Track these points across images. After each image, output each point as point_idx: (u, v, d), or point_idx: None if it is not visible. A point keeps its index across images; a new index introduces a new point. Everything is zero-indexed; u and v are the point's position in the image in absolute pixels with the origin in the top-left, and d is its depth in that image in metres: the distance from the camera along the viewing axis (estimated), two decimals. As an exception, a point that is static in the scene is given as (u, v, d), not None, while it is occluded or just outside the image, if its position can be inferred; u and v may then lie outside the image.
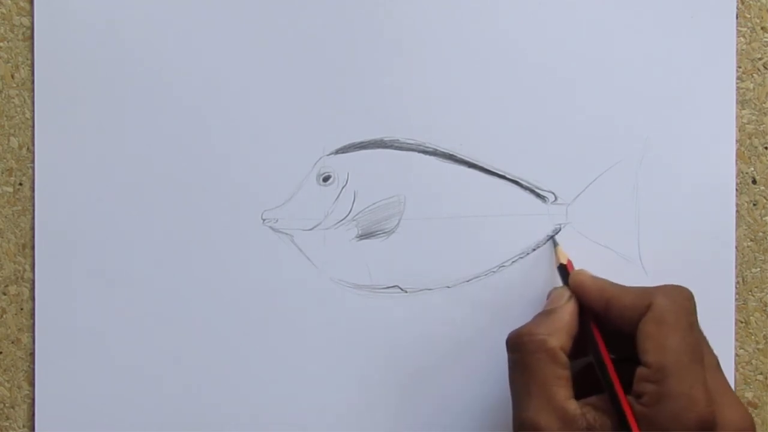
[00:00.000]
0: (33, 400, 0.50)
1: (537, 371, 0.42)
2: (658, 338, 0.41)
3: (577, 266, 0.49)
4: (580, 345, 0.44)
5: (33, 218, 0.50)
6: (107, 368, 0.50)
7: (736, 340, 0.50)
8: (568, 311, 0.45)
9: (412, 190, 0.50)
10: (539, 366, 0.42)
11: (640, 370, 0.41)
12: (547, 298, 0.47)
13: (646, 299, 0.43)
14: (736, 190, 0.50)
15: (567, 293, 0.46)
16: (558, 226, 0.50)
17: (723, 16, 0.50)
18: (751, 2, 0.50)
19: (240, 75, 0.50)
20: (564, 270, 0.47)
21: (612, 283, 0.45)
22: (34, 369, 0.50)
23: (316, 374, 0.50)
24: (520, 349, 0.43)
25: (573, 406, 0.42)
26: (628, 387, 0.42)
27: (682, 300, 0.43)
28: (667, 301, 0.42)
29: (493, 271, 0.50)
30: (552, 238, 0.50)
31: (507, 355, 0.44)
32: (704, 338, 0.44)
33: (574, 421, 0.41)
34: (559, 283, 0.48)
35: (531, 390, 0.42)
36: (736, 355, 0.50)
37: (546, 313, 0.45)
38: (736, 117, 0.50)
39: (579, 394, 0.43)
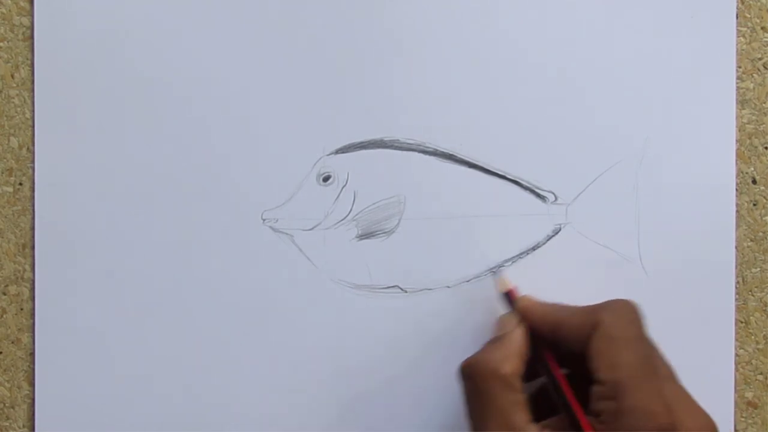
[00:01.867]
0: (33, 400, 0.50)
1: (492, 398, 0.42)
2: (609, 355, 0.41)
3: (576, 266, 0.49)
4: (532, 368, 0.44)
5: (33, 218, 0.50)
6: (107, 368, 0.50)
7: (736, 340, 0.50)
8: (517, 336, 0.45)
9: (412, 190, 0.50)
10: (494, 393, 0.42)
11: (596, 388, 0.41)
12: (496, 325, 0.47)
13: (592, 318, 0.43)
14: (736, 190, 0.50)
15: (515, 318, 0.46)
16: (558, 226, 0.50)
17: (723, 16, 0.50)
18: (751, 2, 0.50)
19: (240, 75, 0.50)
20: (508, 297, 0.47)
21: (558, 306, 0.45)
22: (34, 369, 0.50)
23: (316, 374, 0.50)
24: (474, 377, 0.43)
25: (533, 429, 0.42)
26: (586, 404, 0.42)
27: (628, 313, 0.43)
28: (613, 317, 0.42)
29: (493, 271, 0.50)
30: (491, 270, 0.49)
31: (460, 385, 0.44)
32: (656, 348, 0.43)
33: None
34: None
35: (488, 418, 0.42)
36: (736, 355, 0.50)
37: (496, 340, 0.45)
38: (736, 117, 0.50)
39: (537, 415, 0.42)
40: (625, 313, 0.43)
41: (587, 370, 0.42)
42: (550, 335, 0.44)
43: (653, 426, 0.40)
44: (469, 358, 0.44)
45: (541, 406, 0.43)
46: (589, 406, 0.42)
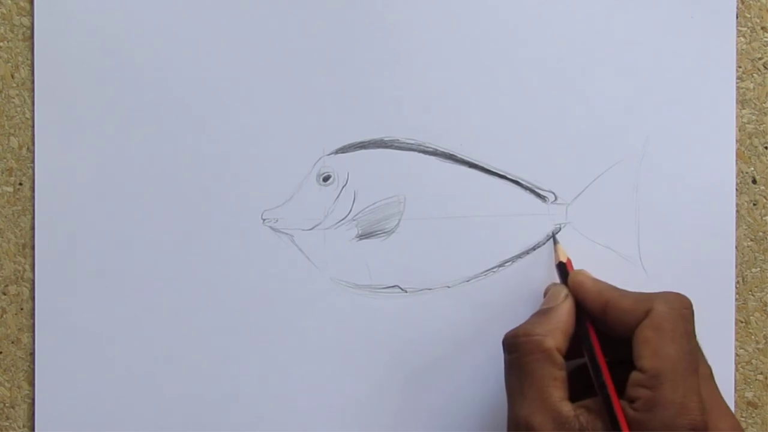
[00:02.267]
0: (33, 400, 0.50)
1: (533, 372, 0.42)
2: (655, 344, 0.41)
3: (576, 267, 0.49)
4: (575, 345, 0.44)
5: (33, 218, 0.50)
6: (107, 368, 0.50)
7: (736, 340, 0.50)
8: (564, 310, 0.44)
9: (412, 190, 0.50)
10: (535, 367, 0.42)
11: (635, 375, 0.41)
12: (544, 295, 0.47)
13: (645, 305, 0.43)
14: (736, 190, 0.50)
15: (564, 291, 0.45)
16: (558, 226, 0.50)
17: (723, 16, 0.50)
18: (751, 2, 0.50)
19: (240, 75, 0.50)
20: (563, 268, 0.47)
21: (611, 286, 0.45)
22: (34, 369, 0.50)
23: (316, 374, 0.50)
24: (517, 349, 0.43)
25: (567, 407, 0.42)
26: (621, 390, 0.42)
27: (682, 308, 0.43)
28: (667, 308, 0.42)
29: (493, 271, 0.50)
30: (553, 236, 0.50)
31: (503, 355, 0.44)
32: (699, 347, 0.44)
33: (567, 423, 0.41)
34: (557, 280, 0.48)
35: (526, 390, 0.42)
36: (736, 355, 0.50)
37: (542, 313, 0.45)
38: (736, 117, 0.50)
39: (573, 394, 0.43)
40: (679, 307, 0.43)
41: (628, 355, 0.42)
42: (599, 314, 0.44)
43: (686, 422, 0.40)
44: (513, 329, 0.44)
45: (576, 386, 0.43)
46: (625, 392, 0.41)
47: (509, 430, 0.43)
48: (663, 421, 0.40)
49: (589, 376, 0.44)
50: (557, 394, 0.42)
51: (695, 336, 0.43)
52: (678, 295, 0.43)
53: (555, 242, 0.49)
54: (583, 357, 0.45)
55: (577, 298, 0.45)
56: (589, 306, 0.45)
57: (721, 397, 0.43)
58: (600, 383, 0.42)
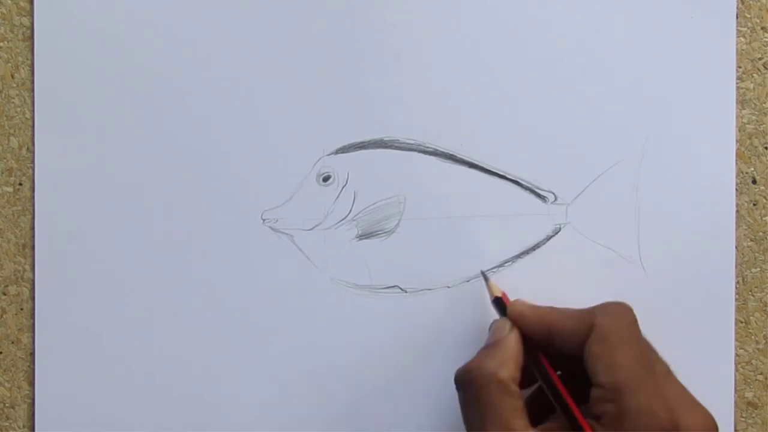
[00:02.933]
0: (33, 400, 0.50)
1: (492, 405, 0.42)
2: (606, 358, 0.41)
3: (576, 266, 0.49)
4: (527, 373, 0.44)
5: (33, 218, 0.50)
6: (107, 368, 0.50)
7: (736, 340, 0.50)
8: (512, 341, 0.44)
9: (412, 190, 0.50)
10: (493, 399, 0.42)
11: (595, 392, 0.41)
12: (489, 331, 0.47)
13: (587, 321, 0.43)
14: (736, 190, 0.50)
15: (508, 324, 0.45)
16: (558, 226, 0.50)
17: (723, 16, 0.50)
18: (751, 2, 0.50)
19: (240, 75, 0.50)
20: (500, 303, 0.47)
21: (551, 309, 0.45)
22: (34, 369, 0.50)
23: (316, 374, 0.50)
24: (472, 384, 0.43)
25: None
26: (579, 406, 0.42)
27: (622, 315, 0.43)
28: (608, 319, 0.42)
29: (493, 271, 0.50)
30: (482, 272, 0.49)
31: (457, 393, 0.44)
32: (651, 347, 0.43)
33: None
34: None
35: (488, 424, 0.42)
36: (736, 355, 0.50)
37: (491, 346, 0.44)
38: (736, 117, 0.50)
39: (531, 421, 0.42)
40: (620, 315, 0.43)
41: (585, 373, 0.42)
42: (544, 339, 0.44)
43: (656, 426, 0.40)
44: (464, 365, 0.44)
45: (536, 412, 0.43)
46: (590, 410, 0.41)
47: None
48: (633, 430, 0.40)
49: (542, 403, 0.44)
50: (519, 423, 0.41)
51: (643, 338, 0.43)
52: (617, 303, 0.44)
53: (486, 279, 0.49)
54: (532, 385, 0.45)
55: (520, 328, 0.45)
56: (533, 333, 0.45)
57: (687, 393, 0.42)
58: (561, 406, 0.43)
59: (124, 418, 0.50)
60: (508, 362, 0.43)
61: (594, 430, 0.41)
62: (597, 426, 0.41)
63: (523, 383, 0.44)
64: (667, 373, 0.43)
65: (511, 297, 0.49)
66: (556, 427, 0.42)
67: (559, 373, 0.44)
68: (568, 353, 0.43)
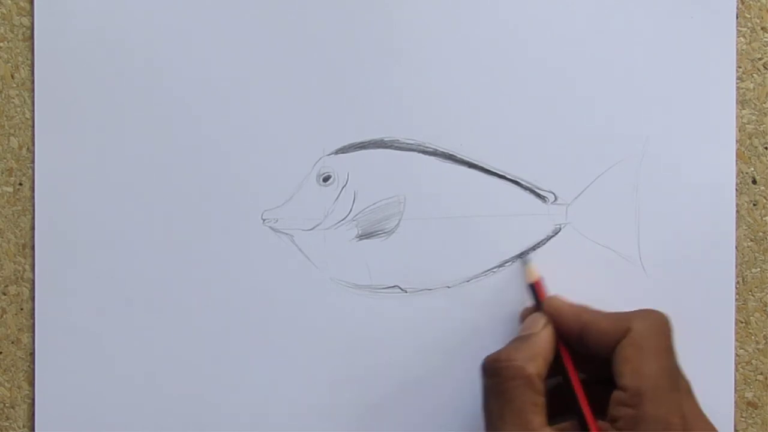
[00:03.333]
0: (33, 400, 0.50)
1: (514, 398, 0.42)
2: (636, 363, 0.41)
3: (576, 266, 0.49)
4: (552, 367, 0.44)
5: (33, 218, 0.50)
6: (107, 368, 0.50)
7: (736, 340, 0.50)
8: (545, 338, 0.44)
9: (412, 190, 0.50)
10: (516, 393, 0.42)
11: (616, 394, 0.41)
12: (521, 321, 0.47)
13: (623, 324, 0.43)
14: (736, 190, 0.50)
15: (543, 319, 0.45)
16: (558, 226, 0.50)
17: (723, 16, 0.50)
18: (751, 2, 0.50)
19: (240, 75, 0.50)
20: (534, 288, 0.47)
21: (587, 308, 0.45)
22: (34, 369, 0.50)
23: (316, 374, 0.50)
24: (498, 374, 0.43)
25: None
26: (601, 409, 0.42)
27: (660, 325, 0.43)
28: (645, 325, 0.43)
29: (493, 271, 0.50)
30: (523, 256, 0.49)
31: (481, 380, 0.44)
32: (678, 364, 0.43)
33: None
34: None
35: (506, 416, 0.42)
36: (736, 355, 0.50)
37: (523, 339, 0.44)
38: (736, 117, 0.50)
39: (549, 414, 0.43)
40: (657, 324, 0.43)
41: (608, 374, 0.42)
42: (577, 337, 0.44)
43: None
44: (493, 354, 0.44)
45: (553, 405, 0.43)
46: (608, 411, 0.42)
47: None
48: None
49: (566, 395, 0.44)
50: (537, 420, 0.42)
51: (674, 352, 0.43)
52: (655, 312, 0.44)
53: (525, 263, 0.49)
54: (557, 377, 0.45)
55: (555, 323, 0.45)
56: (567, 331, 0.45)
57: (702, 412, 0.43)
58: (579, 408, 0.43)
59: (124, 418, 0.50)
60: (537, 358, 0.43)
61: None
62: (612, 428, 0.41)
63: (546, 376, 0.44)
64: (689, 390, 0.43)
65: (512, 297, 0.49)
66: (572, 427, 0.43)
67: (582, 376, 0.44)
68: (598, 354, 0.43)
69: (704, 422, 0.42)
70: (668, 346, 0.43)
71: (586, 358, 0.44)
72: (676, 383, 0.42)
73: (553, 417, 0.43)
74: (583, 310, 0.45)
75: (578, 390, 0.43)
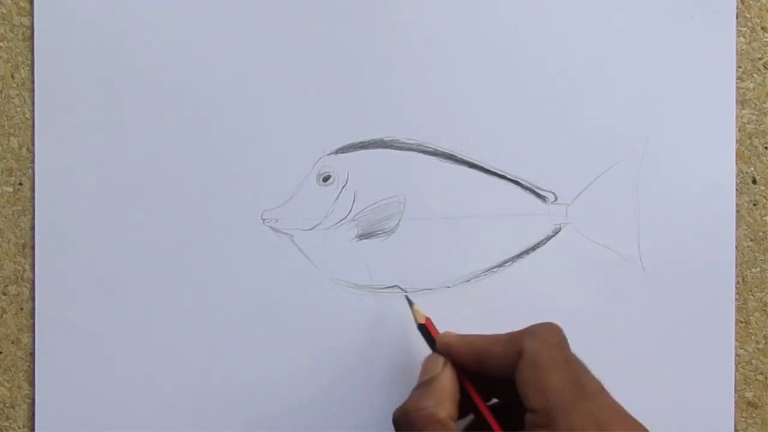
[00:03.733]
0: (33, 400, 0.50)
1: None
2: (537, 383, 0.41)
3: (576, 266, 0.49)
4: (461, 406, 0.44)
5: (33, 218, 0.50)
6: (107, 368, 0.50)
7: (736, 340, 0.50)
8: (447, 378, 0.44)
9: (412, 190, 0.50)
10: None
11: (528, 417, 0.41)
12: (423, 367, 0.46)
13: (515, 346, 0.42)
14: (736, 190, 0.50)
15: (441, 359, 0.45)
16: (558, 226, 0.50)
17: (723, 16, 0.50)
18: (751, 2, 0.50)
19: (240, 75, 0.50)
20: (424, 330, 0.47)
21: (479, 337, 0.44)
22: (34, 369, 0.50)
23: (316, 374, 0.50)
24: (411, 426, 0.42)
25: None
26: (518, 427, 0.42)
27: (551, 337, 0.42)
28: (536, 342, 0.42)
29: (493, 271, 0.50)
30: (407, 298, 0.49)
31: None
32: (582, 366, 0.43)
33: None
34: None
35: None
36: (736, 355, 0.50)
37: (426, 384, 0.44)
38: (736, 117, 0.50)
39: None
40: (548, 336, 0.42)
41: (518, 398, 0.42)
42: (476, 367, 0.44)
43: None
44: (401, 407, 0.43)
45: None
46: None
47: None
48: None
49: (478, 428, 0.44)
50: None
51: (574, 357, 0.42)
52: (545, 325, 0.43)
53: (410, 304, 0.48)
54: (465, 416, 0.44)
55: (451, 359, 0.44)
56: (464, 363, 0.44)
57: (620, 409, 0.42)
58: None
59: (124, 418, 0.50)
60: (445, 401, 0.43)
61: None
62: None
63: (457, 416, 0.43)
64: (600, 390, 0.42)
65: (512, 297, 0.49)
66: None
67: (495, 401, 0.44)
68: (502, 378, 0.43)
69: (622, 419, 0.41)
70: (566, 357, 0.42)
71: (492, 384, 0.44)
72: (583, 391, 0.41)
73: None
74: (475, 339, 0.44)
75: (491, 420, 0.43)
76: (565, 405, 0.40)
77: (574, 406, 0.40)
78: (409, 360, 0.50)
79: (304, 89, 0.50)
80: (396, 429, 0.43)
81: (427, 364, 0.45)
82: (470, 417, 0.45)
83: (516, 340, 0.42)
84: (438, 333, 0.46)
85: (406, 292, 0.50)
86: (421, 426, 0.42)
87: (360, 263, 0.50)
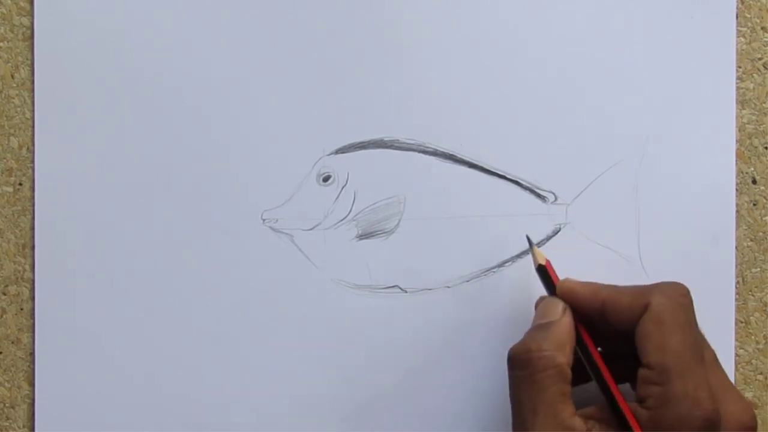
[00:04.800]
0: (33, 400, 0.50)
1: (545, 389, 0.41)
2: (658, 339, 0.41)
3: (576, 266, 0.49)
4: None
5: (33, 218, 0.50)
6: (107, 368, 0.50)
7: (736, 340, 0.50)
8: (566, 324, 0.44)
9: (412, 190, 0.50)
10: (548, 383, 0.41)
11: (643, 372, 0.41)
12: (536, 308, 0.46)
13: (642, 299, 0.42)
14: (736, 190, 0.50)
15: (561, 304, 0.44)
16: (558, 226, 0.50)
17: (723, 16, 0.50)
18: (751, 2, 0.50)
19: (240, 75, 0.50)
20: (544, 272, 0.46)
21: (603, 285, 0.44)
22: (34, 369, 0.50)
23: (316, 374, 0.50)
24: (529, 365, 0.42)
25: (578, 423, 0.41)
26: (621, 381, 0.42)
27: (679, 297, 0.42)
28: (665, 299, 0.42)
29: (494, 271, 0.50)
30: (527, 237, 0.48)
31: (509, 371, 0.43)
32: (702, 334, 0.43)
33: None
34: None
35: (537, 408, 0.41)
36: (736, 355, 0.50)
37: (545, 327, 0.44)
38: (736, 117, 0.50)
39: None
40: (677, 296, 0.42)
41: (632, 352, 0.42)
42: (597, 315, 0.43)
43: (698, 414, 0.39)
44: (520, 345, 0.43)
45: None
46: (636, 391, 0.41)
47: None
48: (676, 416, 0.40)
49: (578, 375, 0.43)
50: (568, 410, 0.41)
51: (696, 323, 0.42)
52: (675, 284, 0.43)
53: (531, 245, 0.48)
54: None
55: (573, 305, 0.44)
56: (585, 310, 0.44)
57: (729, 382, 0.42)
58: (606, 393, 0.42)
59: (124, 418, 0.50)
60: (564, 346, 0.42)
61: (637, 413, 0.41)
62: (641, 409, 0.41)
63: (572, 363, 0.43)
64: (714, 361, 0.43)
65: (512, 297, 0.49)
66: (599, 414, 0.42)
67: (600, 350, 0.44)
68: (620, 330, 0.42)
69: (732, 393, 0.42)
70: (689, 319, 0.42)
71: (605, 335, 0.44)
72: (701, 356, 0.41)
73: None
74: (600, 287, 0.44)
75: (606, 375, 0.43)
76: (682, 366, 0.40)
77: (690, 370, 0.40)
78: (410, 360, 0.50)
79: (304, 89, 0.50)
80: (511, 365, 0.43)
81: (546, 307, 0.45)
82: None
83: (643, 294, 0.42)
84: (557, 278, 0.46)
85: (406, 292, 0.50)
86: (541, 368, 0.42)
87: (360, 263, 0.50)
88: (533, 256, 0.47)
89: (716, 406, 0.40)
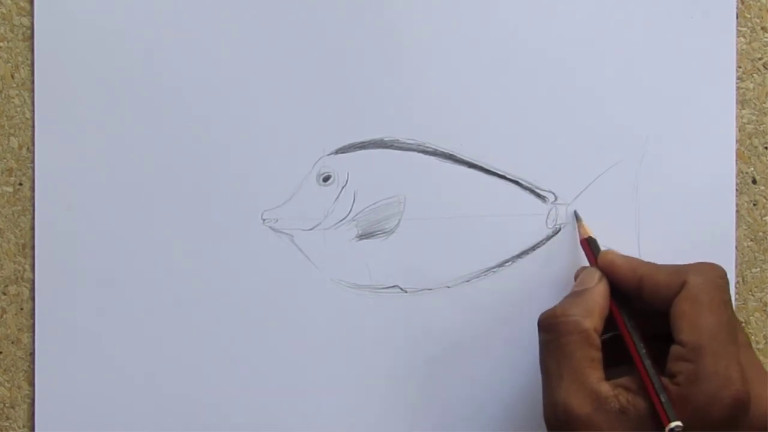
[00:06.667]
0: (33, 400, 0.50)
1: (570, 353, 0.42)
2: (693, 317, 0.41)
3: (576, 266, 0.49)
4: (608, 322, 0.44)
5: (33, 218, 0.50)
6: (107, 368, 0.50)
7: (736, 340, 0.50)
8: (600, 292, 0.44)
9: (412, 190, 0.50)
10: (573, 348, 0.42)
11: (675, 349, 0.41)
12: (575, 278, 0.47)
13: (680, 277, 0.43)
14: (736, 190, 0.50)
15: (597, 273, 0.45)
16: (558, 226, 0.50)
17: (723, 16, 0.50)
18: (751, 2, 0.50)
19: (240, 75, 0.50)
20: (593, 244, 0.47)
21: (643, 261, 0.45)
22: (34, 369, 0.50)
23: (316, 374, 0.50)
24: (554, 329, 0.43)
25: (605, 388, 0.41)
26: (656, 363, 0.42)
27: (716, 278, 0.43)
28: (701, 279, 0.42)
29: (494, 271, 0.50)
30: (575, 212, 0.49)
31: (538, 336, 0.44)
32: (736, 316, 0.43)
33: (606, 403, 0.41)
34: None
35: (564, 372, 0.42)
36: (736, 355, 0.50)
37: (578, 294, 0.44)
38: (736, 117, 0.50)
39: (605, 368, 0.42)
40: (713, 277, 0.43)
41: (665, 328, 0.42)
42: (634, 290, 0.44)
43: (729, 393, 0.40)
44: (549, 310, 0.44)
45: (609, 360, 0.43)
46: (666, 367, 0.41)
47: (546, 412, 0.43)
48: (707, 394, 0.40)
49: (617, 348, 0.44)
50: (595, 375, 0.42)
51: (731, 305, 0.43)
52: (712, 265, 0.43)
53: (577, 219, 0.49)
54: (611, 332, 0.45)
55: (611, 277, 0.45)
56: (623, 284, 0.44)
57: (761, 365, 0.43)
58: (639, 363, 0.42)
59: (124, 418, 0.50)
60: (593, 312, 0.43)
61: (668, 388, 0.41)
62: (671, 385, 0.41)
63: (602, 331, 0.44)
64: (748, 345, 0.43)
65: (512, 297, 0.49)
66: (630, 384, 0.42)
67: (643, 333, 0.44)
68: (655, 307, 0.43)
69: (763, 375, 0.42)
70: (725, 300, 0.42)
71: (640, 312, 0.44)
72: (734, 337, 0.41)
73: (608, 371, 0.42)
74: (639, 263, 0.45)
75: (638, 343, 0.43)
76: (715, 346, 0.41)
77: (723, 350, 0.41)
78: (410, 360, 0.50)
79: (304, 89, 0.50)
80: (540, 331, 0.43)
81: (584, 276, 0.46)
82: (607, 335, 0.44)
83: (681, 272, 0.43)
84: (601, 250, 0.47)
85: (406, 292, 0.50)
86: (566, 332, 0.42)
87: (360, 263, 0.50)
88: (579, 229, 0.48)
89: (747, 387, 0.40)
